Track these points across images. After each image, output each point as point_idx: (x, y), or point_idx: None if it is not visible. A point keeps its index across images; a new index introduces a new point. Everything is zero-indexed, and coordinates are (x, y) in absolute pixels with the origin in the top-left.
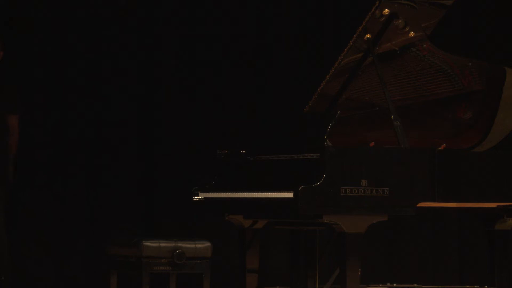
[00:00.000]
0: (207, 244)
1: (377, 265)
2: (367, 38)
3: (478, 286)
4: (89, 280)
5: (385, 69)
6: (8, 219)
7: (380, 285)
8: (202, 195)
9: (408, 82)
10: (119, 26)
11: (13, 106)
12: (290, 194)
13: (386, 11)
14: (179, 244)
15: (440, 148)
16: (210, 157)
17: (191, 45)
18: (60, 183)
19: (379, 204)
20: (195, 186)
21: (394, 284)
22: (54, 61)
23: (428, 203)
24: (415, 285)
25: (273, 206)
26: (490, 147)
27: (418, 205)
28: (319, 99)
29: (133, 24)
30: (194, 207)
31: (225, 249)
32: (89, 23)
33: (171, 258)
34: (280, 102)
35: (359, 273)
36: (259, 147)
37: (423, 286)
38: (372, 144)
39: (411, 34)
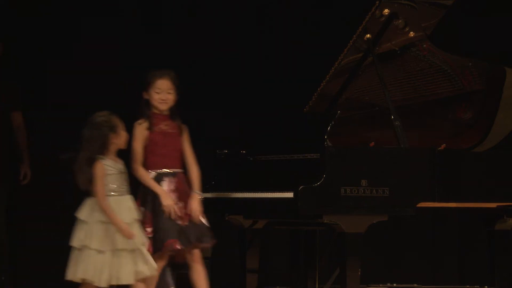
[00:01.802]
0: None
1: (377, 265)
2: (367, 38)
3: (478, 286)
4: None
5: (385, 69)
6: (9, 219)
7: (380, 285)
8: (202, 195)
9: (408, 82)
10: (120, 26)
11: (16, 103)
12: (290, 194)
13: (386, 11)
14: None
15: (440, 148)
16: (210, 157)
17: (191, 45)
18: (62, 183)
19: (379, 204)
20: None
21: (394, 284)
22: (54, 62)
23: (428, 203)
24: (415, 285)
25: (273, 206)
26: (490, 147)
27: (418, 205)
28: (319, 99)
29: (134, 23)
30: None
31: (225, 249)
32: (90, 24)
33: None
34: (280, 102)
35: (359, 273)
36: (259, 147)
37: (423, 286)
38: (372, 144)
39: (411, 34)
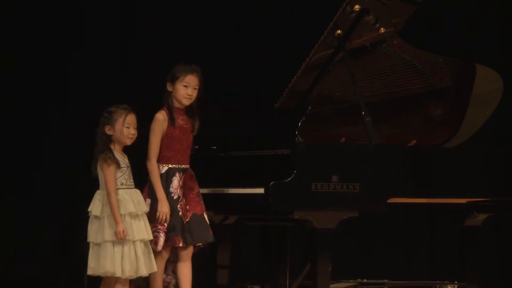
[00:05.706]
0: None
1: (347, 261)
2: (338, 34)
3: (448, 282)
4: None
5: (356, 65)
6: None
7: (351, 280)
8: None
9: (379, 78)
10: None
11: None
12: (261, 190)
13: (356, 7)
14: None
15: (410, 144)
16: None
17: (170, 43)
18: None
19: (350, 200)
20: None
21: (365, 280)
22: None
23: (399, 198)
24: (385, 280)
25: (244, 202)
26: (460, 143)
27: (389, 201)
28: (290, 94)
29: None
30: None
31: None
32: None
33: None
34: (251, 97)
35: (330, 268)
36: (230, 143)
37: (394, 282)
38: (343, 140)
39: (382, 30)
